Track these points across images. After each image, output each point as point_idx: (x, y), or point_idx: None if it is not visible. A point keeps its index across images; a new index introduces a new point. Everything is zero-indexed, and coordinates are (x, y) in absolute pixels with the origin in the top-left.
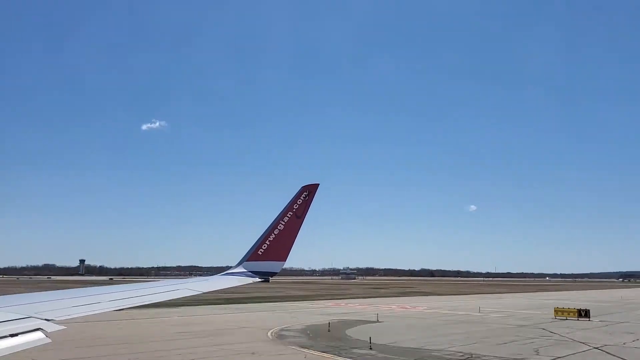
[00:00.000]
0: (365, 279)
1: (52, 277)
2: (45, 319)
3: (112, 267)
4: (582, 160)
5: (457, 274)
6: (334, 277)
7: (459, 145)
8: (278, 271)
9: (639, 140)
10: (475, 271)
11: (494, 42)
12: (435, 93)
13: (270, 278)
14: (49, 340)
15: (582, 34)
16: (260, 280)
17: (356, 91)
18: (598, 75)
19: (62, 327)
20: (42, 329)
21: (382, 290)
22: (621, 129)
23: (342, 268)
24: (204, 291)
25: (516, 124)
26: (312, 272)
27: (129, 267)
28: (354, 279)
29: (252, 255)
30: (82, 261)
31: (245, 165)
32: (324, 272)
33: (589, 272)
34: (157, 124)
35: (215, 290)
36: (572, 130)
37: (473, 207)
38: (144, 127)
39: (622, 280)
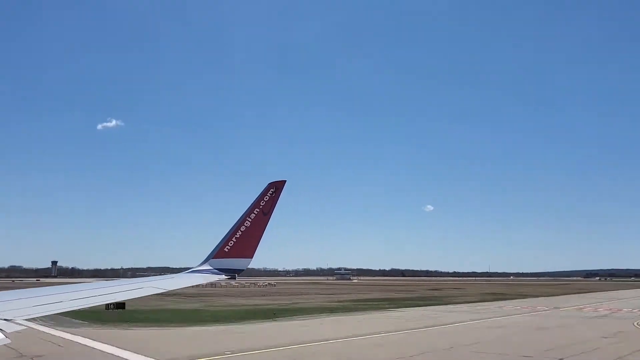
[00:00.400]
0: (360, 279)
1: (40, 279)
2: (4, 319)
3: (84, 268)
4: (544, 161)
5: (427, 273)
6: (329, 278)
7: (424, 146)
8: (245, 268)
9: (600, 142)
10: (443, 271)
11: (464, 43)
12: (405, 94)
13: (237, 275)
14: (8, 341)
15: (551, 37)
16: (226, 277)
17: (325, 90)
18: (564, 78)
19: (22, 327)
20: (1, 329)
21: (439, 291)
22: (586, 131)
23: (315, 268)
24: (170, 289)
25: (482, 125)
26: (286, 273)
27: (101, 268)
28: (349, 279)
29: (218, 252)
30: (54, 262)
31: (214, 165)
32: (298, 273)
33: (549, 270)
34: (114, 122)
35: (182, 288)
36: (535, 132)
37: (430, 207)
38: (100, 126)
39: (600, 279)
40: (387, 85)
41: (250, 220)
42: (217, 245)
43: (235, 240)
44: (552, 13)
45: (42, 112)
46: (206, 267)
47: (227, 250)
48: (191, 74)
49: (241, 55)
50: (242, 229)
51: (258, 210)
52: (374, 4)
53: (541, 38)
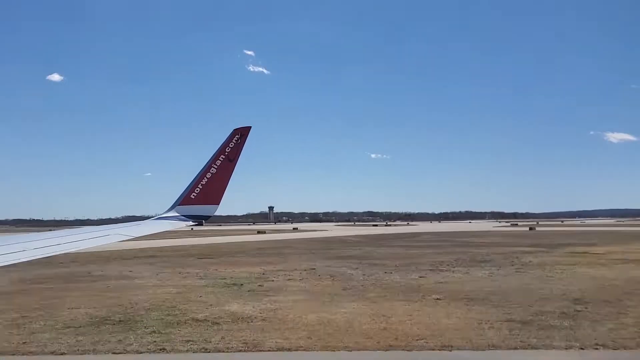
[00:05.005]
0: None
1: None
2: None
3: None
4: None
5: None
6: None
7: (368, 93)
8: (212, 215)
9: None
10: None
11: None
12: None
13: (204, 222)
14: None
15: None
16: (193, 223)
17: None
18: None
19: None
20: None
21: None
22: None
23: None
24: (136, 236)
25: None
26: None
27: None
28: None
29: (185, 199)
30: (271, 208)
31: (174, 115)
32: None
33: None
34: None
35: (149, 235)
36: (485, 78)
37: (374, 155)
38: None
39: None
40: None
41: (215, 167)
42: (183, 192)
43: (201, 187)
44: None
45: None
46: (173, 213)
47: (193, 197)
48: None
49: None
50: (207, 176)
51: (223, 157)
52: None
53: None
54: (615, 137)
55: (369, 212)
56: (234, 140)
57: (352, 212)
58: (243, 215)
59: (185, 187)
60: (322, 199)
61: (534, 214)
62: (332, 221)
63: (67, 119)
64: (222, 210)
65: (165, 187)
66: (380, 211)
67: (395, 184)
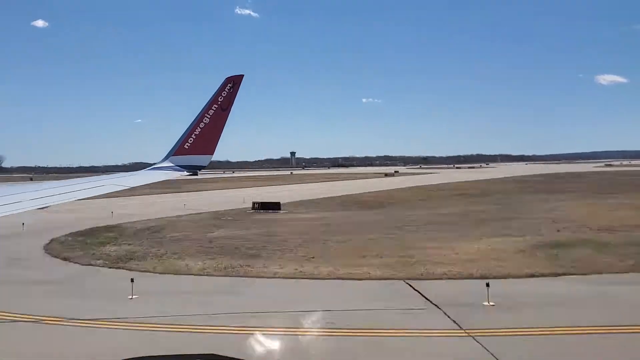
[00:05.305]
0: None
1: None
2: None
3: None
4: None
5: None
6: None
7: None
8: (206, 165)
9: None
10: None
11: None
12: None
13: (199, 172)
14: None
15: None
16: (188, 174)
17: None
18: None
19: None
20: None
21: None
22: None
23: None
24: (131, 186)
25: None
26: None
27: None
28: None
29: (179, 149)
30: (292, 153)
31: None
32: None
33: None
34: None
35: (144, 185)
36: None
37: (365, 100)
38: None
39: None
40: None
41: (209, 116)
42: (176, 142)
43: (194, 137)
44: None
45: None
46: (167, 163)
47: (187, 147)
48: None
49: None
50: (201, 126)
51: (217, 106)
52: None
53: None
54: (605, 79)
55: (385, 156)
56: (226, 89)
57: (367, 157)
58: (265, 160)
59: (180, 136)
60: (325, 145)
61: (540, 156)
62: (353, 165)
63: (54, 65)
64: (233, 157)
65: (157, 133)
66: (394, 155)
67: (397, 129)
